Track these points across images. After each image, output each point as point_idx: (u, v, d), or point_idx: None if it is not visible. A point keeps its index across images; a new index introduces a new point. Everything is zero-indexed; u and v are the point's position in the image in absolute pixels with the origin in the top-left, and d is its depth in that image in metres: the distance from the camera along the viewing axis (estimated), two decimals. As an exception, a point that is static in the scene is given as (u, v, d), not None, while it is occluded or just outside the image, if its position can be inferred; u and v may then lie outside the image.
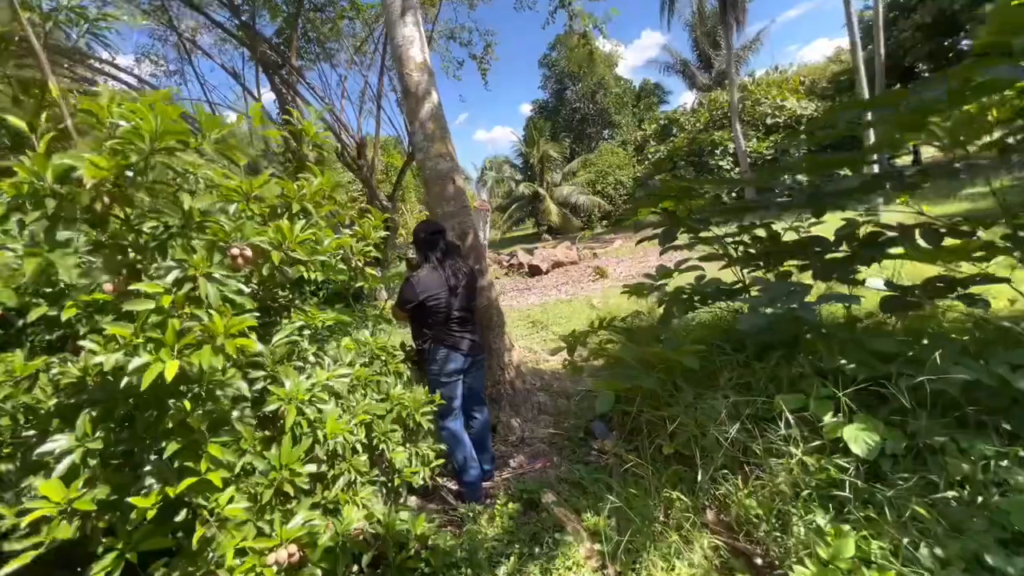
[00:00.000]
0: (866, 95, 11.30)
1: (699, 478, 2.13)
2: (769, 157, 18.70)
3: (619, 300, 6.46)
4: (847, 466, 1.82)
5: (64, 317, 1.55)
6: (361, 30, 9.46)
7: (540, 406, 3.66)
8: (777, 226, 2.96)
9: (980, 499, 1.60)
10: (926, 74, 20.28)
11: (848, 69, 23.14)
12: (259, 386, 1.72)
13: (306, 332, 2.04)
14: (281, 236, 1.72)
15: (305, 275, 1.85)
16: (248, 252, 1.61)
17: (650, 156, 24.57)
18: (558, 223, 24.60)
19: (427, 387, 2.51)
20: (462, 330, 2.76)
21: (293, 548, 1.44)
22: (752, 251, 3.00)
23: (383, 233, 2.59)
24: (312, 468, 1.65)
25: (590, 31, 7.87)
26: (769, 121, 19.75)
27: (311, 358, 2.07)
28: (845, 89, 21.51)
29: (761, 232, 2.94)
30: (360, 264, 2.45)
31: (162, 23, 8.18)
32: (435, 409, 2.40)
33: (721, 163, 19.20)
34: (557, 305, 7.27)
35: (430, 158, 3.58)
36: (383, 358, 2.54)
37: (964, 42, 17.18)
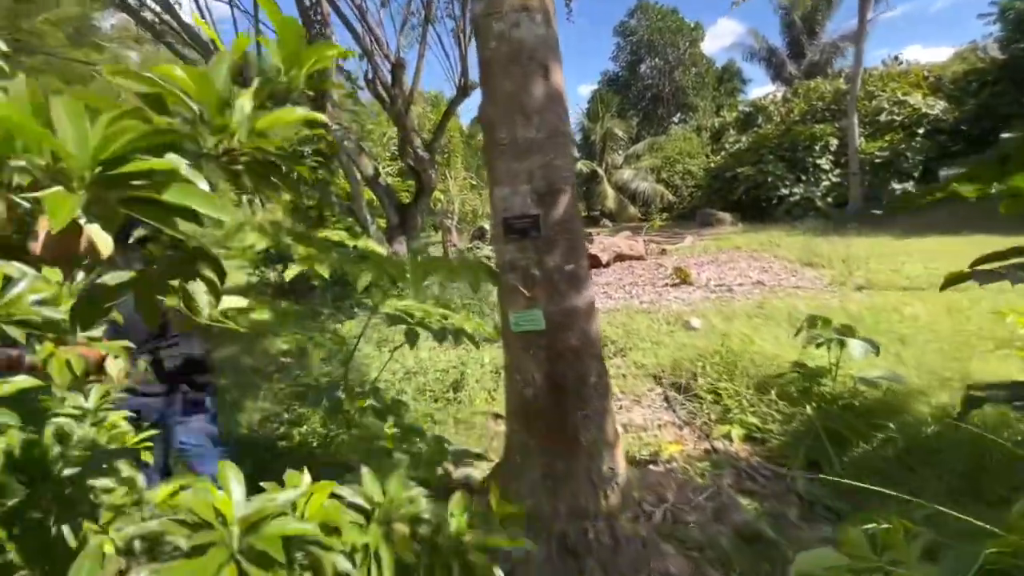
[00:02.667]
0: None
1: None
2: (879, 161, 15.86)
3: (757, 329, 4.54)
4: None
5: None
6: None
7: None
8: None
9: None
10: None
11: (977, 69, 19.71)
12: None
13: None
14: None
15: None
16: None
17: (728, 146, 21.85)
18: (613, 209, 22.43)
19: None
20: None
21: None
22: None
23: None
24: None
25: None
26: (884, 118, 16.78)
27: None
28: (974, 92, 18.18)
29: None
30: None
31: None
32: None
33: (819, 161, 16.49)
34: (634, 317, 5.49)
35: (500, 14, 1.78)
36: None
37: None
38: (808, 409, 2.85)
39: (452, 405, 3.79)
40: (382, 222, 7.79)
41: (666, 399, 3.76)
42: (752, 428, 2.99)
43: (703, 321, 5.32)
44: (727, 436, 2.99)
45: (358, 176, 7.01)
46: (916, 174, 16.25)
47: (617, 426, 2.14)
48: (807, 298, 6.32)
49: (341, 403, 2.50)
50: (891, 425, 2.53)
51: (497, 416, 3.70)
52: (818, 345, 2.96)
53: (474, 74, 6.29)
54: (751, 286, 7.60)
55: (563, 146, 1.83)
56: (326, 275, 1.86)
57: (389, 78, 6.43)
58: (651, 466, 2.73)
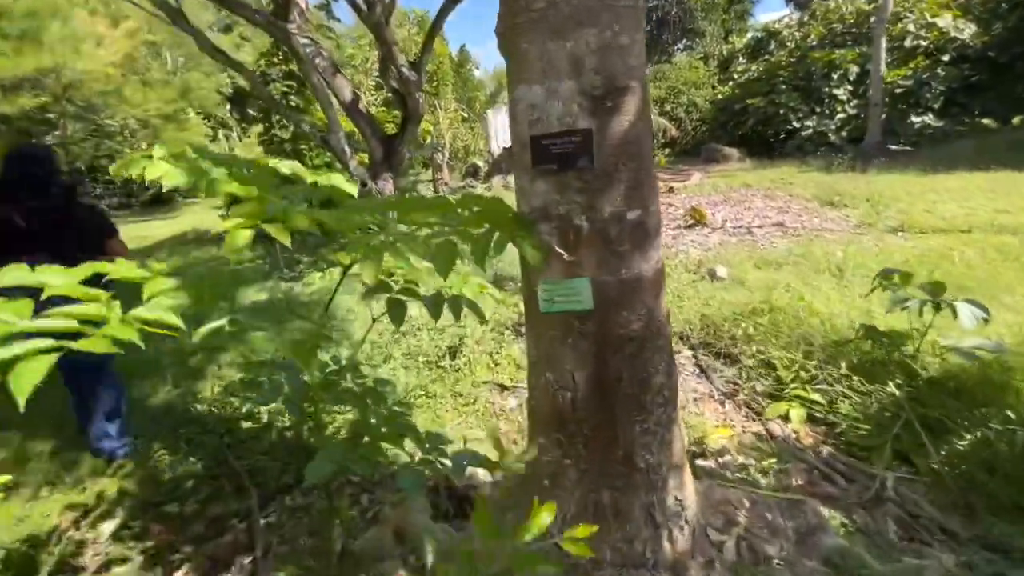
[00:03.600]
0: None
1: None
2: (900, 91, 14.74)
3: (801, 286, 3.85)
4: None
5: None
6: None
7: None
8: None
9: None
10: None
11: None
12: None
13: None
14: None
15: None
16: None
17: (736, 76, 20.36)
18: (614, 145, 21.27)
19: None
20: None
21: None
22: None
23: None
24: None
25: None
26: (909, 43, 15.46)
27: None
28: (1002, 15, 16.73)
29: None
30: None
31: None
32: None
33: (836, 91, 15.31)
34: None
35: None
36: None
37: None
38: (891, 386, 2.31)
39: (449, 374, 3.23)
40: (364, 157, 6.92)
41: (698, 365, 3.23)
42: (816, 408, 2.47)
43: (729, 270, 4.72)
44: (784, 416, 2.47)
45: (334, 102, 6.06)
46: (937, 106, 15.22)
47: (685, 439, 1.57)
48: (840, 242, 5.72)
49: (307, 391, 1.91)
50: (1009, 413, 2.00)
51: (503, 388, 3.16)
52: (904, 308, 2.38)
53: (467, -29, 5.22)
54: (771, 227, 6.97)
55: (630, 15, 1.12)
56: (285, 239, 1.17)
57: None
58: (699, 460, 2.21)
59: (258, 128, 11.66)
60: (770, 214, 7.79)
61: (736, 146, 16.94)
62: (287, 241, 1.12)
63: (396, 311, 1.55)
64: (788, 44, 19.37)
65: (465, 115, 20.81)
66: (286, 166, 1.73)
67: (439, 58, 18.98)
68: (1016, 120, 15.71)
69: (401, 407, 2.81)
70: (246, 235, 1.10)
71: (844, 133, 15.19)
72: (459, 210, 1.17)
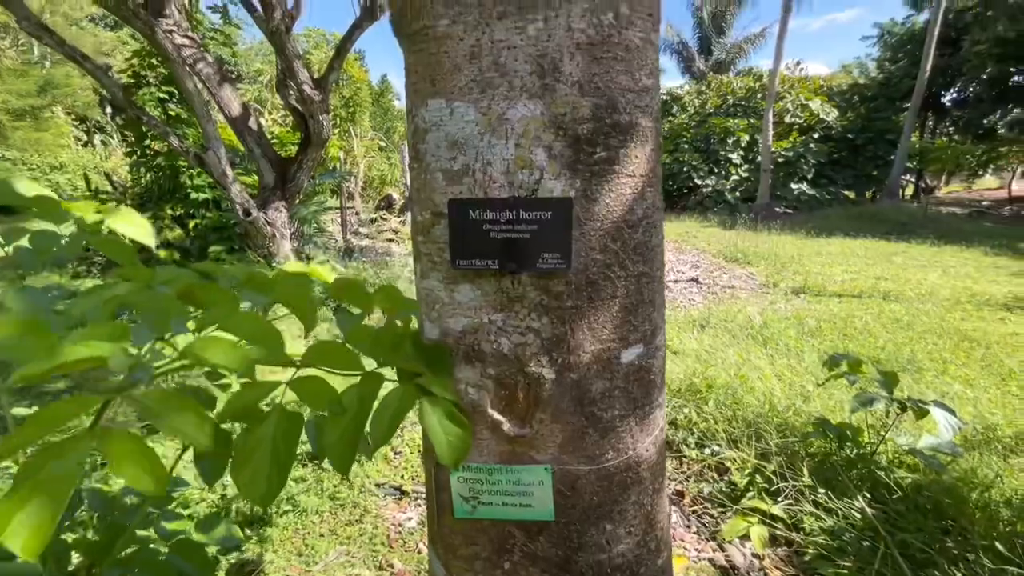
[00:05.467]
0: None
1: None
2: (782, 160, 16.54)
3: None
4: None
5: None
6: None
7: None
8: None
9: None
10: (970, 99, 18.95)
11: (859, 84, 21.57)
12: None
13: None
14: None
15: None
16: None
17: (645, 132, 21.80)
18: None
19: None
20: None
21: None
22: None
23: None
24: None
25: None
26: (788, 119, 17.53)
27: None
28: (855, 105, 19.80)
29: None
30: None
31: None
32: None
33: (731, 155, 16.80)
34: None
35: None
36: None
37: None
38: (860, 501, 1.99)
39: (328, 474, 2.46)
40: (248, 179, 5.96)
41: (635, 453, 2.79)
42: (777, 524, 2.08)
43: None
44: (744, 535, 2.06)
45: (210, 112, 5.12)
46: (810, 176, 17.29)
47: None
48: (752, 302, 5.80)
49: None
50: (999, 547, 1.72)
51: (402, 493, 2.45)
52: (865, 404, 2.11)
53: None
54: (687, 283, 7.04)
55: (636, 55, 0.62)
56: None
57: (262, -21, 4.60)
58: None
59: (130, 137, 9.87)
60: (684, 269, 7.93)
61: (645, 197, 17.84)
62: None
63: (209, 467, 0.87)
64: (688, 109, 21.19)
65: (383, 144, 20.06)
66: (32, 186, 1.03)
67: (357, 83, 18.20)
68: (868, 194, 18.35)
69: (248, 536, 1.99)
70: None
71: (738, 193, 16.62)
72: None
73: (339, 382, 0.68)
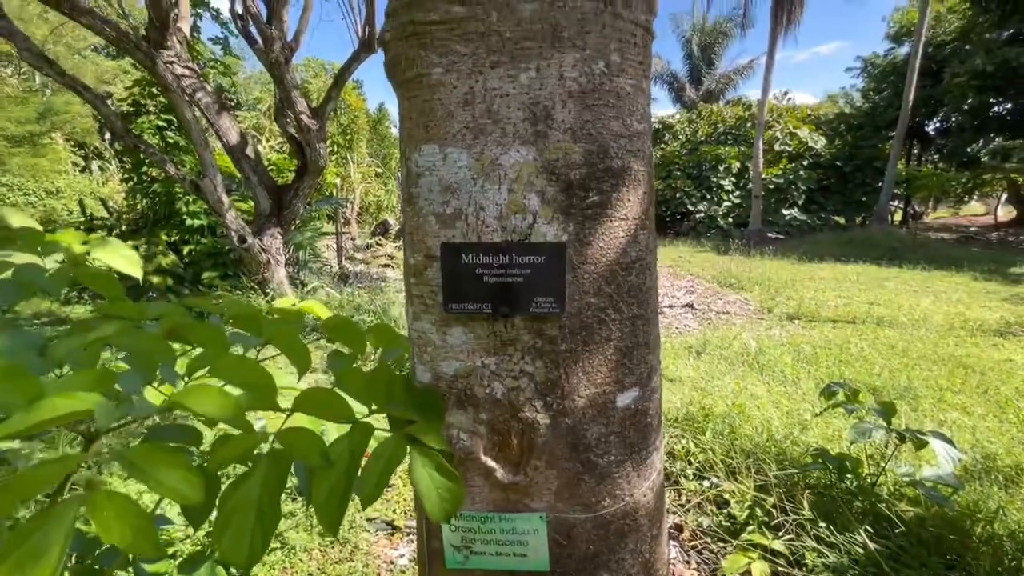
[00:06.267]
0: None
1: None
2: (773, 186, 16.85)
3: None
4: None
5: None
6: None
7: None
8: None
9: None
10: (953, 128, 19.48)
11: (845, 114, 22.19)
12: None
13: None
14: None
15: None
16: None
17: (638, 159, 22.23)
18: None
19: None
20: None
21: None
22: None
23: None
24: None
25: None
26: (778, 147, 17.92)
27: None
28: (842, 134, 20.32)
29: None
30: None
31: None
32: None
33: (723, 182, 17.09)
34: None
35: None
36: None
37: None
38: (862, 535, 1.95)
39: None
40: (244, 206, 5.98)
41: (633, 484, 2.74)
42: (779, 560, 2.03)
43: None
44: (745, 572, 2.01)
45: (207, 140, 5.17)
46: (800, 202, 17.59)
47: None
48: (747, 327, 5.81)
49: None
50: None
51: (393, 529, 2.38)
52: (863, 435, 2.09)
53: (383, 19, 4.85)
54: (682, 308, 7.05)
55: (639, 37, 0.63)
56: None
57: (264, 13, 4.72)
58: None
59: (128, 164, 9.96)
60: (679, 294, 7.96)
61: (638, 223, 18.06)
62: None
63: (196, 510, 0.84)
64: (680, 137, 21.64)
65: (379, 170, 20.31)
66: (17, 217, 1.03)
67: (355, 111, 18.52)
68: (858, 220, 18.64)
69: None
70: None
71: (731, 219, 16.84)
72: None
73: (331, 424, 0.66)
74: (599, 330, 0.61)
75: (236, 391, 0.69)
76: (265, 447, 0.62)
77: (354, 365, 0.75)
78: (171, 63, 5.03)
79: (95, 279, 0.98)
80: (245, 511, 0.51)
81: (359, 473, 0.54)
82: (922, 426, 3.06)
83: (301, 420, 0.61)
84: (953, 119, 19.63)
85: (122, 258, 1.10)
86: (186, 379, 0.76)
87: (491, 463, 0.63)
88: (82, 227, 9.21)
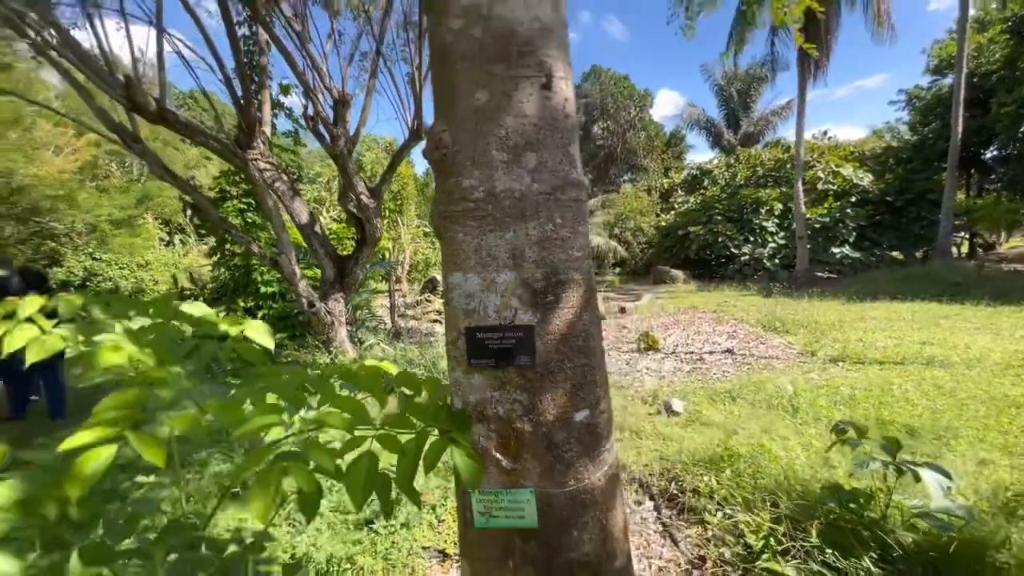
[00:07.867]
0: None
1: None
2: (819, 226, 16.58)
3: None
4: None
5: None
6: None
7: None
8: None
9: None
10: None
11: (893, 148, 21.71)
12: None
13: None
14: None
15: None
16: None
17: (677, 206, 22.52)
18: (569, 263, 22.37)
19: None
20: None
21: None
22: None
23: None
24: None
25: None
26: (821, 187, 17.76)
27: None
28: (891, 168, 19.84)
29: None
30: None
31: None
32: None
33: (766, 223, 17.02)
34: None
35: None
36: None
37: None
38: (866, 561, 2.11)
39: (382, 538, 2.79)
40: (310, 272, 6.78)
41: (661, 522, 2.95)
42: (792, 585, 2.21)
43: (684, 404, 4.63)
44: (760, 597, 2.19)
45: (284, 222, 6.05)
46: (851, 239, 17.14)
47: None
48: (787, 371, 5.84)
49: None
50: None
51: (444, 556, 2.73)
52: (861, 466, 2.28)
53: (429, 114, 5.64)
54: (721, 354, 7.12)
55: (574, 207, 1.07)
56: (158, 460, 0.90)
57: (331, 115, 5.66)
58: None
59: (211, 240, 11.52)
60: (719, 339, 8.03)
61: (682, 268, 18.13)
62: (160, 462, 0.88)
63: (308, 505, 1.28)
64: (719, 181, 21.85)
65: (427, 230, 21.61)
66: (196, 308, 1.56)
67: (403, 178, 20.09)
68: (919, 254, 17.82)
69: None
70: (103, 458, 0.86)
71: (777, 260, 16.61)
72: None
73: (403, 438, 1.09)
74: (559, 374, 1.03)
75: (347, 415, 1.15)
76: (365, 446, 1.06)
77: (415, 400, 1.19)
78: (255, 160, 6.02)
79: (248, 351, 1.49)
80: (359, 475, 0.94)
81: (421, 457, 0.96)
82: (953, 465, 3.10)
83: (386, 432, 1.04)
84: (1011, 147, 18.85)
85: (261, 334, 1.62)
86: (319, 409, 1.22)
87: (499, 456, 1.04)
88: (175, 296, 10.54)
